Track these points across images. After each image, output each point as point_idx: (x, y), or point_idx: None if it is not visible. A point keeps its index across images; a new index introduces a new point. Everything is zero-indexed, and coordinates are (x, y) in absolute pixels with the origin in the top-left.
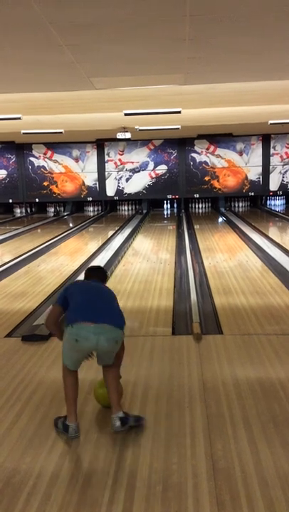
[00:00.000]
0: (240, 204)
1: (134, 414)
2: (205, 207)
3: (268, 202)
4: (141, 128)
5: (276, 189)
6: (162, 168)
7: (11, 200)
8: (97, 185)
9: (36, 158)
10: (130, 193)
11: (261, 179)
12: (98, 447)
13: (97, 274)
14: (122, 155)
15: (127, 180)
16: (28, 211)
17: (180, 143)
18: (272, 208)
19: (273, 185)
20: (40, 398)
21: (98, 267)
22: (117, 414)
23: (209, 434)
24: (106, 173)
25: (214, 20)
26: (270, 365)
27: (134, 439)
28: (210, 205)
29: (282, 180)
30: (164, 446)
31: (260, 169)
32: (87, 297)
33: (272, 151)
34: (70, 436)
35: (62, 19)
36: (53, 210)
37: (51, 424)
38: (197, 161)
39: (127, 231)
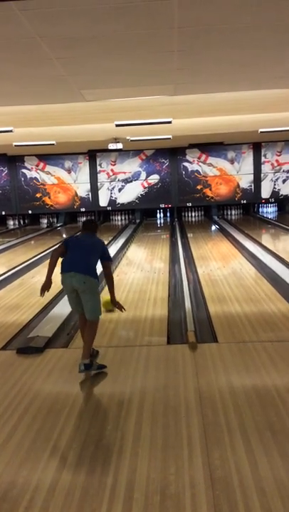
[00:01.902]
0: (233, 212)
1: (98, 362)
2: (198, 215)
3: (260, 209)
4: (132, 138)
5: (268, 196)
6: (154, 178)
7: (3, 213)
8: (90, 196)
9: (28, 170)
10: (123, 203)
11: (253, 187)
12: (95, 458)
13: (89, 227)
14: (114, 165)
15: (120, 190)
16: (21, 223)
17: (172, 152)
18: (265, 216)
19: (265, 192)
20: (36, 410)
21: (90, 221)
22: (84, 361)
23: (206, 444)
24: (98, 183)
25: (202, 32)
26: (266, 373)
27: (131, 450)
28: (203, 213)
29: (274, 187)
30: (161, 456)
31: (251, 177)
32: (72, 254)
33: (263, 159)
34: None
35: (52, 34)
36: (46, 221)
37: (48, 437)
38: (189, 170)
39: (120, 241)
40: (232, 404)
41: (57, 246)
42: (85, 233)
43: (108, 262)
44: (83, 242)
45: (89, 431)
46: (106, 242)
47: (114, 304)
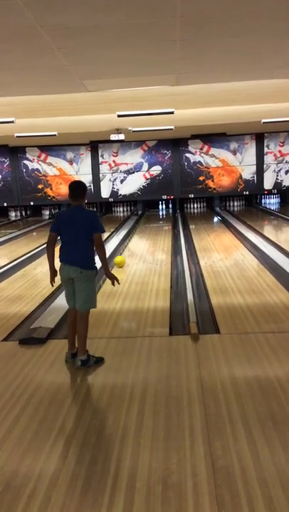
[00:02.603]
0: (235, 203)
1: (96, 356)
2: (200, 207)
3: (263, 201)
4: (134, 129)
5: (271, 188)
6: (157, 169)
7: (5, 204)
8: (92, 187)
9: (30, 161)
10: (125, 195)
11: (255, 178)
12: (97, 449)
13: (78, 194)
14: (116, 156)
15: (122, 181)
16: (23, 214)
17: (174, 143)
18: (267, 207)
19: (268, 183)
20: (39, 401)
21: (76, 186)
22: (80, 358)
23: (208, 434)
24: (100, 174)
25: (205, 21)
26: (268, 364)
27: (133, 440)
28: (205, 204)
29: (277, 178)
30: (163, 446)
31: (254, 168)
32: (68, 240)
33: (265, 149)
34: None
35: (54, 24)
36: (48, 212)
37: (50, 427)
38: (191, 161)
39: (122, 232)
40: (234, 395)
41: (48, 236)
42: (74, 205)
43: (98, 233)
44: (74, 220)
45: (91, 421)
46: (108, 234)
47: (109, 277)
